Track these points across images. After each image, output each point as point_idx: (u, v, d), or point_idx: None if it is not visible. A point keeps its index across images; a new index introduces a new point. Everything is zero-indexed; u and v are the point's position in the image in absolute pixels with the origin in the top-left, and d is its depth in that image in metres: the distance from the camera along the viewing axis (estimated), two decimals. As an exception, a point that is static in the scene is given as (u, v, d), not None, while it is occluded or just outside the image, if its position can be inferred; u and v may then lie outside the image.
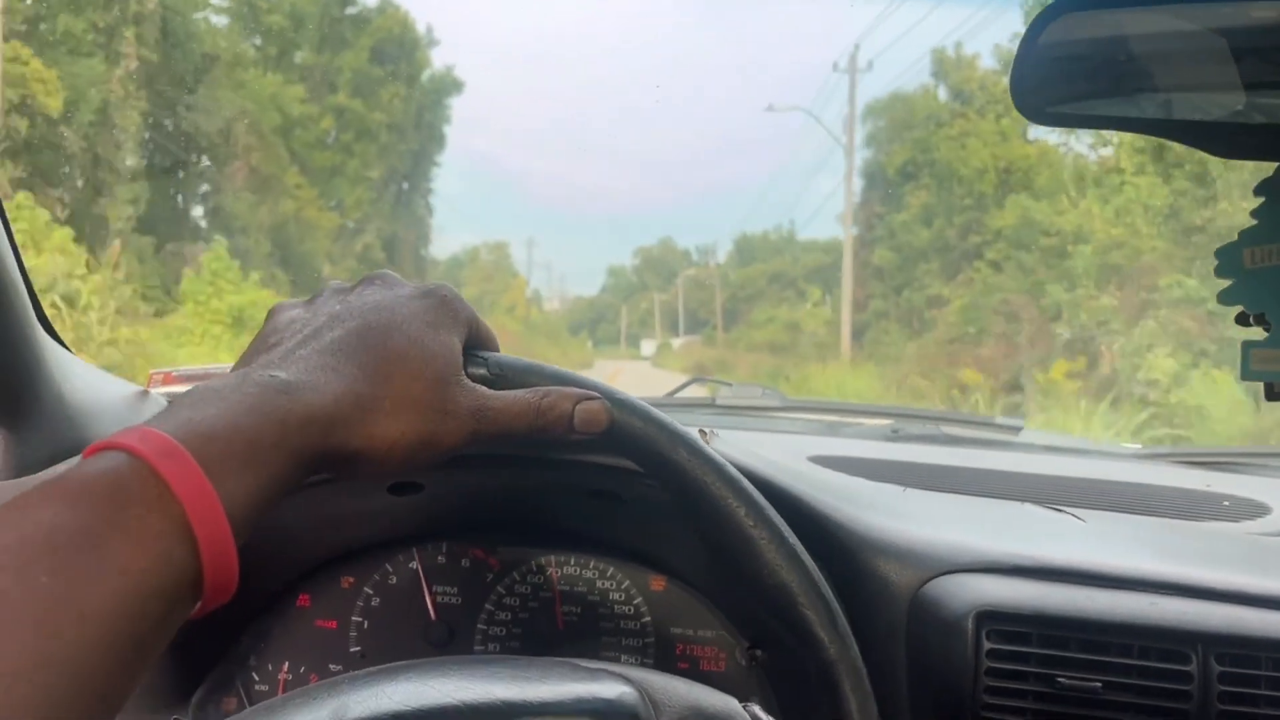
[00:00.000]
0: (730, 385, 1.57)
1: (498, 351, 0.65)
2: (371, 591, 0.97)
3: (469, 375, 0.60)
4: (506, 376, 0.62)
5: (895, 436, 1.50)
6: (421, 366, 0.57)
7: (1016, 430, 1.51)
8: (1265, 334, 0.59)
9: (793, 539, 0.61)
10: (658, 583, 0.98)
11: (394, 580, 0.97)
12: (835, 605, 0.60)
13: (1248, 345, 0.60)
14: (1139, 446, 1.52)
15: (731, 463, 0.81)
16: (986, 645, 0.75)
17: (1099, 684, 0.73)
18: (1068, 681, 0.73)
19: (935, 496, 1.03)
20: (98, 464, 0.46)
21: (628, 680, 0.60)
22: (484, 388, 0.60)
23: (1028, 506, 1.01)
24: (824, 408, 1.65)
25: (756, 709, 0.61)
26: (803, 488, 0.85)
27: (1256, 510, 1.07)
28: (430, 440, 0.57)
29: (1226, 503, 1.09)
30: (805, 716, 0.92)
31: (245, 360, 0.59)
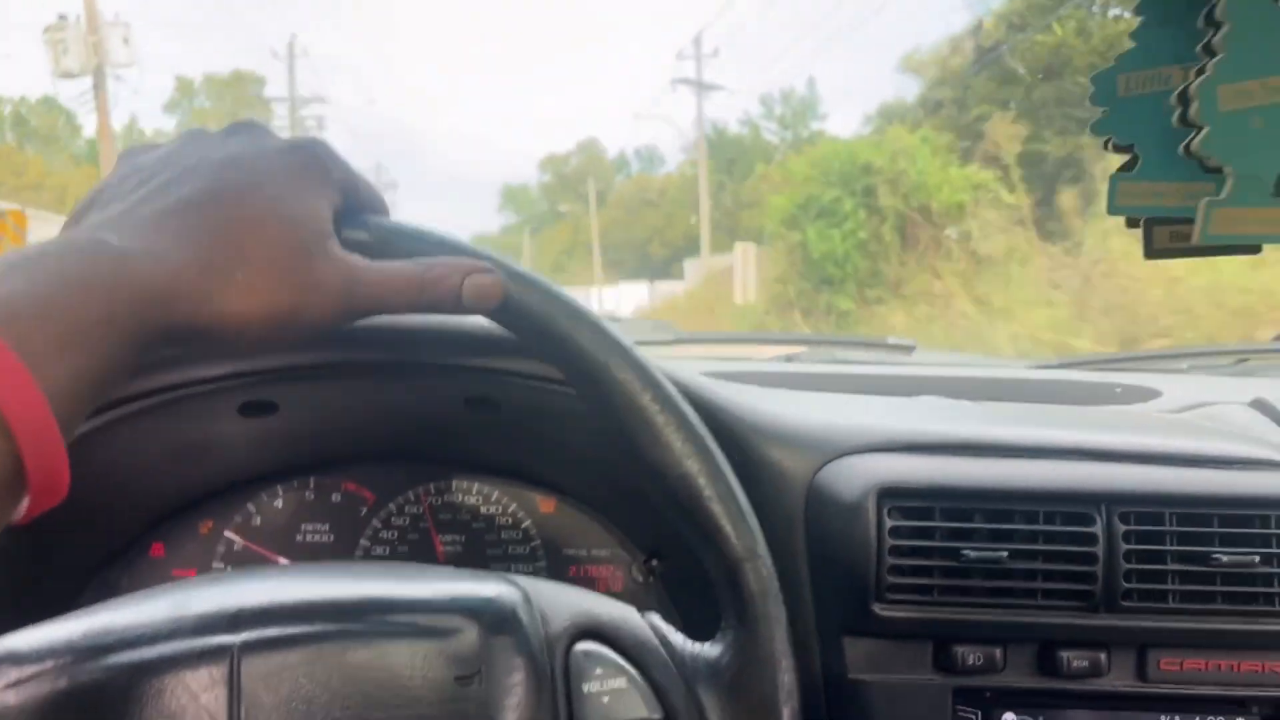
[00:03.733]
0: (621, 321, 1.52)
1: (387, 216, 0.57)
2: (234, 536, 0.89)
3: (347, 241, 0.53)
4: (390, 242, 0.54)
5: (791, 361, 1.47)
6: (281, 233, 0.49)
7: (909, 350, 1.50)
8: (1134, 167, 0.57)
9: (701, 427, 0.55)
10: (547, 504, 0.92)
11: (258, 522, 0.90)
12: (745, 500, 0.55)
13: (1115, 178, 0.57)
14: (1030, 361, 1.53)
15: None
16: (889, 523, 0.71)
17: (1005, 553, 0.70)
18: (974, 554, 0.70)
19: (831, 395, 1.00)
20: None
21: (514, 583, 0.54)
22: (359, 258, 0.52)
23: (924, 397, 0.98)
24: (720, 339, 1.62)
25: (655, 618, 0.56)
26: (694, 377, 0.80)
27: (1148, 394, 1.06)
28: (293, 315, 0.49)
29: (1119, 389, 1.08)
30: (708, 623, 0.87)
31: (76, 218, 0.50)
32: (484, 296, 0.52)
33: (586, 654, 0.53)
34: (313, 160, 0.52)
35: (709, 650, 0.54)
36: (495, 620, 0.50)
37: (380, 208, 0.56)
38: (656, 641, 0.54)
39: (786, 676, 0.52)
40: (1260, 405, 0.98)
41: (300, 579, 0.51)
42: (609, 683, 0.51)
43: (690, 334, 1.57)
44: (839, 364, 1.38)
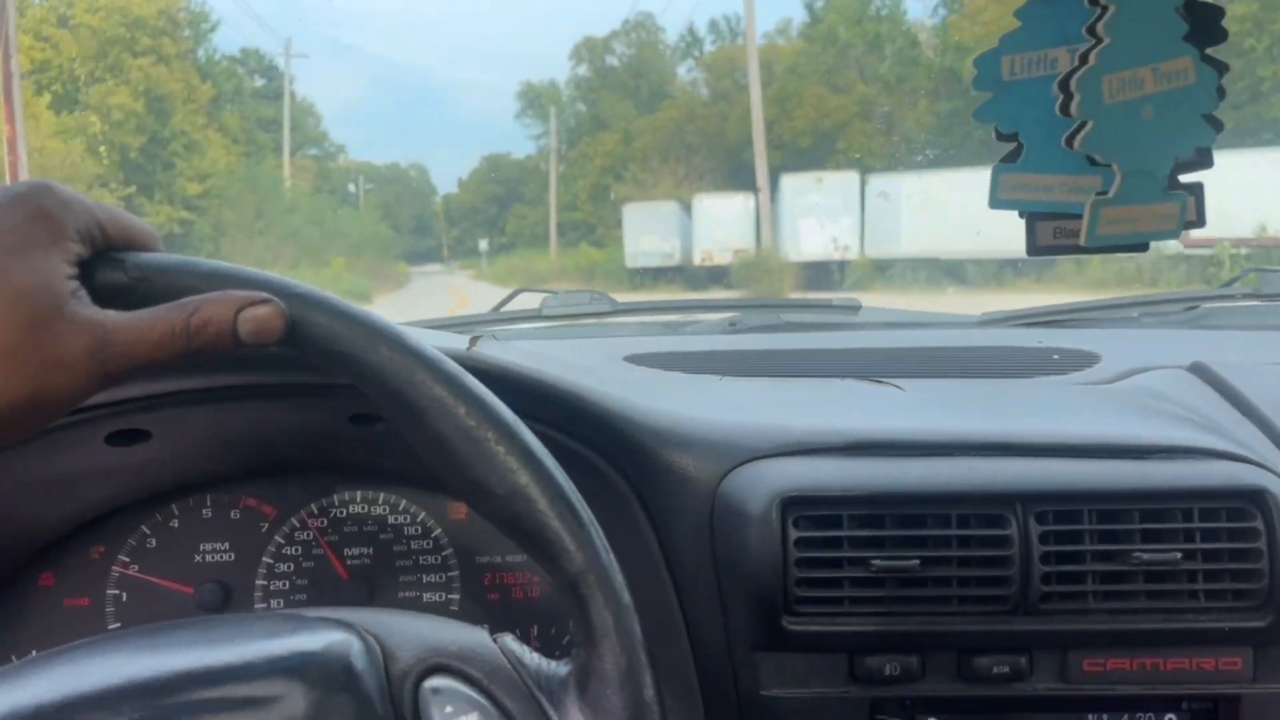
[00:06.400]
0: (556, 293, 1.47)
1: (154, 249, 0.50)
2: (129, 559, 0.85)
3: (101, 289, 0.47)
4: (151, 281, 0.48)
5: (734, 329, 1.43)
6: (5, 310, 0.43)
7: (855, 309, 1.45)
8: (1018, 157, 0.53)
9: (528, 437, 0.50)
10: (457, 510, 0.88)
11: (153, 544, 0.85)
12: (583, 508, 0.50)
13: (998, 169, 0.52)
14: (978, 314, 1.48)
15: (492, 364, 0.71)
16: (794, 534, 0.68)
17: (916, 561, 0.67)
18: (883, 563, 0.67)
19: (753, 382, 0.95)
20: None
21: (349, 627, 0.50)
22: (109, 314, 0.46)
23: (848, 382, 0.94)
24: (658, 308, 1.57)
25: (509, 640, 0.52)
26: (589, 384, 0.75)
27: (1086, 360, 1.02)
28: (37, 400, 0.44)
29: (1056, 356, 1.04)
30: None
31: None
32: (263, 331, 0.47)
33: (436, 690, 0.49)
34: (37, 216, 0.45)
35: (561, 669, 0.50)
36: (324, 677, 0.46)
37: (142, 240, 0.49)
38: (510, 667, 0.51)
39: (645, 691, 0.48)
40: (1199, 370, 0.94)
41: (102, 658, 0.47)
42: (462, 719, 0.48)
43: (630, 303, 1.52)
44: (784, 332, 1.34)
